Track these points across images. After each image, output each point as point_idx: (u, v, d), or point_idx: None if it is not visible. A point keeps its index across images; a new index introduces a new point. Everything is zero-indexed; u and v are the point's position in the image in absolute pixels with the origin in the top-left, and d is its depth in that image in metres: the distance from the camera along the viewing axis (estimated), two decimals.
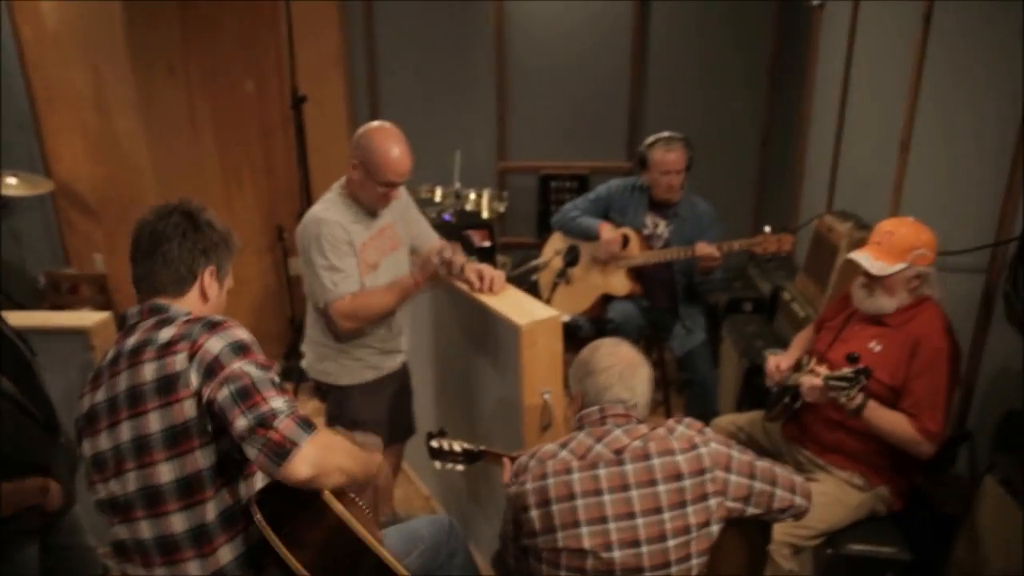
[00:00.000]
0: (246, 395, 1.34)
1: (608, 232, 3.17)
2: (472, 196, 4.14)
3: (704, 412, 3.20)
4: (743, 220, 4.36)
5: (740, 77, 4.22)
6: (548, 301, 3.25)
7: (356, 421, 2.48)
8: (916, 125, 2.82)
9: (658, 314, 3.30)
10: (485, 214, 4.08)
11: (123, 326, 1.57)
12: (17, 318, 2.42)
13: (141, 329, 1.50)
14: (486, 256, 3.83)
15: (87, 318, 2.66)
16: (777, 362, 2.48)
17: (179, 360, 1.40)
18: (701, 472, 1.54)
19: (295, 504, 1.34)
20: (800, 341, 2.61)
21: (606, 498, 1.52)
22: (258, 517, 1.33)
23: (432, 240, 2.67)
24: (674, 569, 1.52)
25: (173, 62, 3.98)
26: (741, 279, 4.15)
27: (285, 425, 1.31)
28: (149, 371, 1.42)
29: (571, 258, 3.20)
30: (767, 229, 2.85)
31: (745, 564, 1.73)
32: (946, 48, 2.66)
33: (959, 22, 2.59)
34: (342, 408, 2.47)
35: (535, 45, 4.28)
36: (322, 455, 1.33)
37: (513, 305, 2.29)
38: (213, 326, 1.43)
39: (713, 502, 1.54)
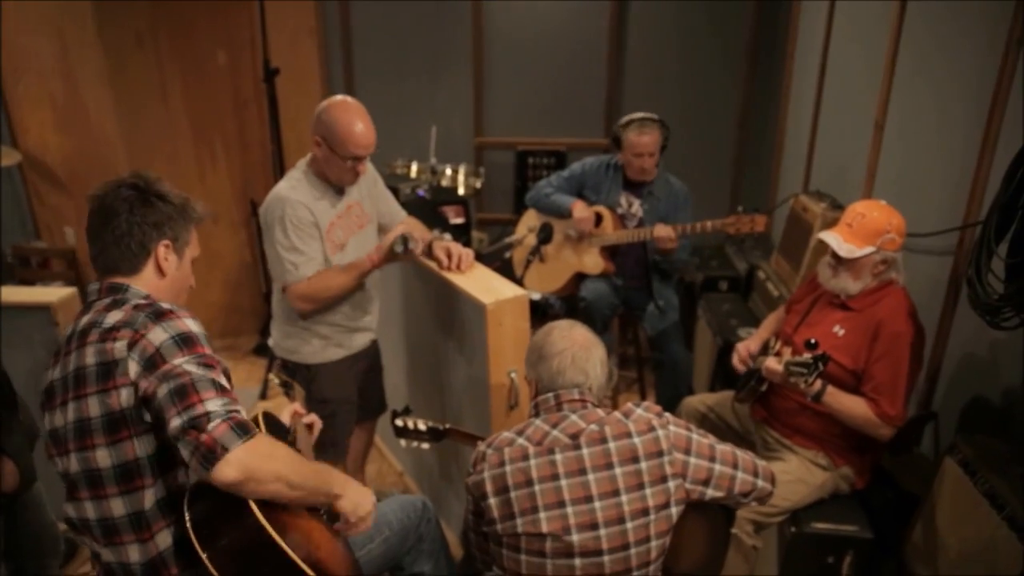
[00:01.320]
0: (183, 395, 1.30)
1: (580, 210, 3.15)
2: (448, 172, 4.08)
3: (675, 392, 3.21)
4: (720, 200, 4.35)
5: (719, 56, 4.17)
6: (521, 278, 3.24)
7: (324, 400, 2.46)
8: (891, 106, 2.81)
9: (631, 293, 3.30)
10: (461, 190, 4.02)
11: (84, 301, 1.54)
12: None
13: (95, 309, 1.47)
14: (461, 233, 3.80)
15: (51, 294, 2.62)
16: (746, 346, 2.50)
17: (118, 348, 1.36)
18: (659, 454, 1.54)
19: (221, 505, 1.31)
20: (770, 322, 2.62)
21: (563, 483, 1.52)
22: (186, 514, 1.32)
23: (400, 216, 2.63)
24: (633, 551, 1.52)
25: (141, 31, 3.90)
26: (718, 257, 4.15)
27: (218, 429, 1.27)
28: (91, 355, 1.40)
29: (544, 235, 3.18)
30: (740, 209, 2.83)
31: (707, 546, 1.74)
32: (920, 30, 2.64)
33: (933, 4, 2.57)
34: (310, 387, 2.45)
35: (514, 20, 4.22)
36: (254, 462, 1.28)
37: (480, 284, 2.27)
38: (159, 315, 1.39)
39: (672, 484, 1.54)
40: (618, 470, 1.52)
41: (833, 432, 2.23)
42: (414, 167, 4.07)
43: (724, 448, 1.63)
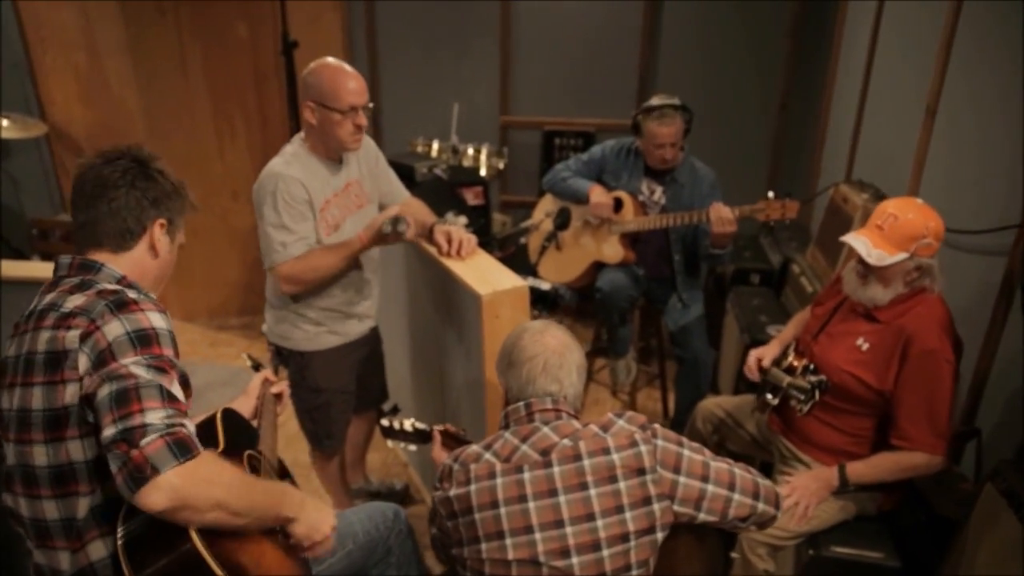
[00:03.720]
0: (122, 400, 1.17)
1: (599, 195, 2.96)
2: (470, 151, 3.94)
3: (696, 392, 3.03)
4: (756, 187, 4.08)
5: (760, 35, 3.90)
6: (536, 266, 3.08)
7: (318, 389, 2.36)
8: (944, 91, 2.55)
9: (653, 285, 3.11)
10: (483, 171, 3.88)
11: (53, 275, 1.42)
12: None
13: (60, 287, 1.36)
14: (480, 215, 3.64)
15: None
16: (758, 356, 2.30)
17: (70, 337, 1.25)
18: (640, 472, 1.38)
19: (158, 524, 1.17)
20: (793, 325, 2.42)
21: (531, 505, 1.36)
22: (119, 529, 1.21)
23: (402, 196, 2.49)
24: None
25: (163, 4, 3.82)
26: (751, 248, 3.92)
27: (153, 446, 1.13)
28: (43, 341, 1.29)
29: (561, 221, 3.00)
30: (770, 195, 2.61)
31: (701, 571, 1.57)
32: (980, 7, 2.37)
33: None
34: (303, 375, 2.34)
35: None
36: (188, 488, 1.14)
37: (478, 272, 2.12)
38: (120, 306, 1.27)
39: (657, 507, 1.37)
40: (593, 491, 1.36)
41: (857, 446, 2.03)
42: (435, 146, 3.93)
43: (720, 466, 1.45)
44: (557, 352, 1.50)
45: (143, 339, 1.24)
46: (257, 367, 1.88)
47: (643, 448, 1.38)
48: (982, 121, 2.35)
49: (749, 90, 4.00)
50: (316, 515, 1.41)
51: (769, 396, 2.16)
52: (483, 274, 2.11)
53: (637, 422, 1.43)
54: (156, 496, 1.12)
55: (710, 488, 1.41)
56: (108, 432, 1.16)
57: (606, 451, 1.38)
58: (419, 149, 3.93)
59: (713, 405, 2.51)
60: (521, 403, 1.48)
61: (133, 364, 1.21)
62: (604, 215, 2.95)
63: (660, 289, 3.11)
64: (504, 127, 4.28)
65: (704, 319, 3.10)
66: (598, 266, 3.12)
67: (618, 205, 2.98)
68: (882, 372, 1.92)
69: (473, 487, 1.38)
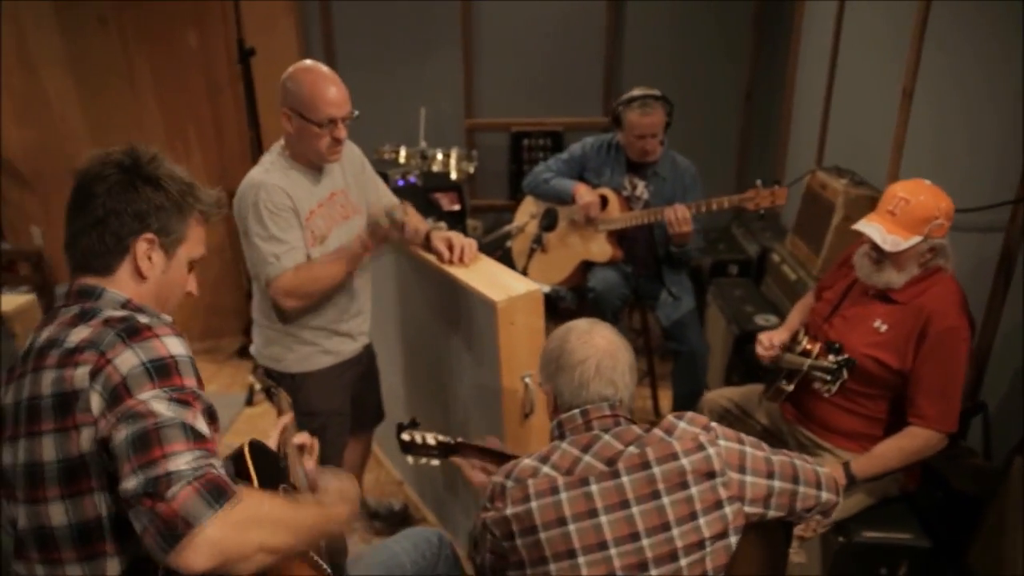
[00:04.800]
0: (142, 445, 1.03)
1: (584, 193, 2.92)
2: (439, 156, 3.84)
3: (694, 387, 3.00)
4: (725, 179, 4.14)
5: (722, 27, 3.94)
6: (524, 270, 3.01)
7: (312, 412, 2.22)
8: (921, 70, 2.60)
9: (642, 280, 3.08)
10: (454, 175, 3.79)
11: (50, 307, 1.27)
12: None
13: (59, 320, 1.20)
14: (457, 221, 3.56)
15: (6, 302, 2.37)
16: (770, 337, 2.28)
17: (79, 375, 1.10)
18: (711, 475, 1.32)
19: None
20: (799, 310, 2.41)
21: (603, 519, 1.29)
22: None
23: (392, 203, 2.39)
24: None
25: (104, 12, 3.60)
26: (725, 240, 3.94)
27: (183, 496, 0.99)
28: (47, 382, 1.13)
29: (548, 222, 2.96)
30: (758, 183, 2.61)
31: (763, 569, 1.53)
32: None
33: None
34: (296, 399, 2.19)
35: None
36: (232, 538, 1.01)
37: (487, 278, 2.04)
38: (132, 333, 1.13)
39: (729, 509, 1.32)
40: (666, 499, 1.30)
41: (875, 428, 2.04)
42: (403, 152, 3.82)
43: (782, 459, 1.41)
44: (609, 353, 1.43)
45: (161, 369, 1.10)
46: (269, 391, 1.73)
47: (711, 451, 1.33)
48: (963, 98, 2.39)
49: (714, 82, 4.03)
50: (349, 508, 1.36)
51: (784, 383, 2.14)
52: (492, 279, 2.03)
53: (699, 423, 1.38)
54: (195, 556, 0.98)
55: (776, 484, 1.37)
56: (129, 484, 1.02)
57: (674, 456, 1.32)
58: (387, 156, 3.81)
59: (719, 397, 2.48)
60: (576, 410, 1.41)
61: (152, 399, 1.07)
62: (593, 214, 2.90)
63: (649, 285, 3.08)
64: (471, 130, 4.21)
65: (696, 311, 3.08)
66: (586, 266, 3.07)
67: (603, 203, 2.94)
68: (903, 353, 1.92)
69: (534, 504, 1.30)
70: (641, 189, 2.98)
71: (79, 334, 1.15)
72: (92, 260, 1.24)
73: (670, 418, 1.40)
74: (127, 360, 1.10)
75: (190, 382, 1.13)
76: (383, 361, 2.57)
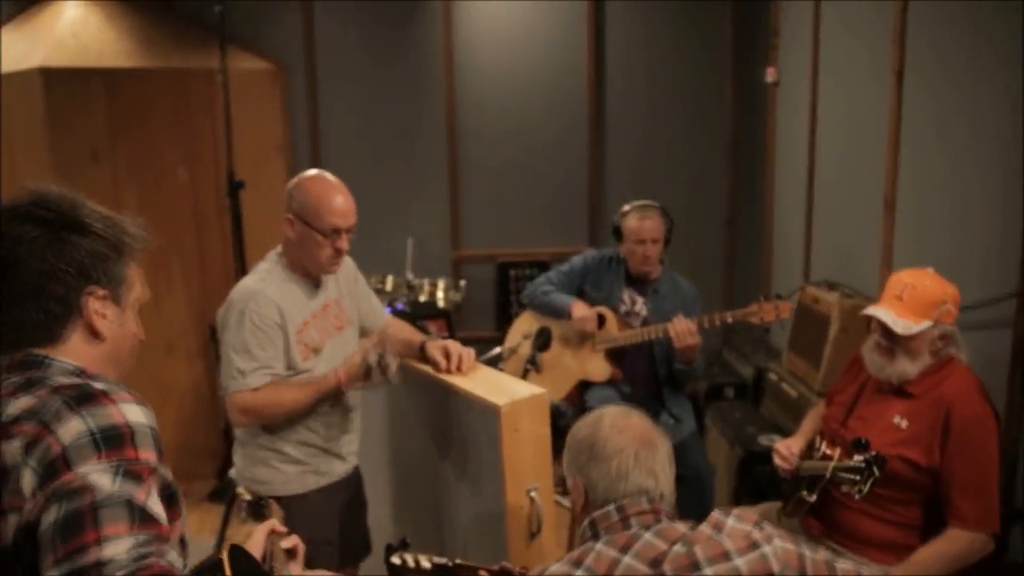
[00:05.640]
0: (72, 528, 0.86)
1: (581, 309, 2.88)
2: (426, 286, 3.83)
3: (702, 510, 2.80)
4: (714, 302, 4.13)
5: (700, 156, 4.13)
6: None
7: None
8: (900, 182, 2.68)
9: (642, 401, 2.97)
10: (441, 304, 3.76)
11: None
12: None
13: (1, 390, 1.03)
14: None
15: None
16: (788, 446, 2.17)
17: (11, 450, 0.93)
18: None
19: None
20: (812, 419, 2.31)
21: None
22: None
23: (383, 318, 2.32)
24: None
25: (98, 148, 3.66)
26: (718, 364, 3.89)
27: None
28: None
29: (542, 341, 2.86)
30: (761, 298, 2.60)
31: None
32: (924, 99, 2.56)
33: (935, 73, 2.50)
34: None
35: (488, 128, 4.14)
36: None
37: (487, 384, 1.94)
38: (84, 400, 0.97)
39: None
40: None
41: (911, 537, 1.89)
42: (390, 281, 3.81)
43: (845, 566, 1.24)
44: (648, 442, 1.31)
45: (112, 439, 0.93)
46: (259, 506, 1.55)
47: (766, 549, 1.18)
48: (947, 201, 2.45)
49: (695, 210, 4.14)
50: None
51: (805, 492, 2.00)
52: (493, 386, 1.93)
53: (749, 519, 1.23)
54: None
55: None
56: None
57: (726, 555, 1.16)
58: (374, 285, 3.78)
59: None
60: (612, 506, 1.26)
61: (93, 472, 0.89)
62: (589, 329, 2.85)
63: (648, 406, 2.95)
64: (457, 262, 4.23)
65: (698, 433, 2.96)
66: (583, 386, 2.97)
67: (600, 321, 2.90)
68: (929, 448, 1.83)
69: None
70: (640, 305, 2.95)
71: (20, 404, 0.98)
72: (34, 333, 1.07)
73: (716, 514, 1.25)
74: (72, 428, 0.93)
75: (147, 455, 0.96)
76: (369, 487, 2.38)
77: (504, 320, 4.09)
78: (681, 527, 1.24)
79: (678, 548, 1.18)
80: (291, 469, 2.02)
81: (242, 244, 3.53)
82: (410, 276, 3.84)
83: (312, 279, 2.06)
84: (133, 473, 0.92)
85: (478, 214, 4.21)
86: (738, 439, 3.12)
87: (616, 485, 1.28)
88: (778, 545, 1.20)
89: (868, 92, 2.90)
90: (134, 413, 0.98)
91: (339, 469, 2.13)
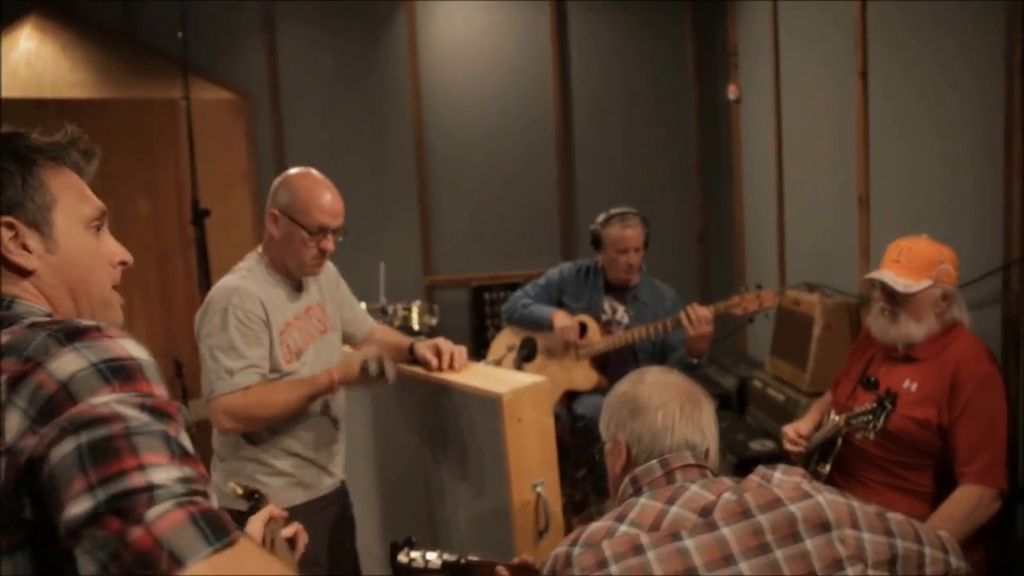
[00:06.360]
0: (105, 453, 0.70)
1: (563, 319, 2.82)
2: (400, 312, 3.75)
3: None
4: None
5: (669, 175, 4.18)
6: None
7: None
8: (872, 178, 2.73)
9: None
10: (416, 327, 3.67)
11: None
12: None
13: None
14: None
15: None
16: (795, 428, 2.13)
17: None
18: (825, 527, 1.09)
19: None
20: (818, 407, 2.29)
21: None
22: None
23: (367, 324, 2.24)
24: None
25: None
26: (698, 378, 3.85)
27: (166, 520, 0.68)
28: None
29: (527, 352, 2.80)
30: (742, 288, 2.58)
31: None
32: (890, 97, 2.63)
33: (898, 71, 2.58)
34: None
35: (456, 153, 4.12)
36: None
37: (484, 377, 1.87)
38: (73, 334, 0.79)
39: (851, 571, 1.08)
40: (778, 553, 1.06)
41: (922, 505, 1.85)
42: (363, 307, 3.70)
43: (897, 516, 1.18)
44: (692, 398, 1.26)
45: (120, 370, 0.77)
46: (253, 499, 1.43)
47: (820, 499, 1.12)
48: (923, 192, 2.49)
49: (668, 229, 4.15)
50: None
51: (819, 466, 1.97)
52: (489, 378, 1.85)
53: (796, 473, 1.17)
54: None
55: (899, 543, 1.13)
56: (81, 508, 0.68)
57: (779, 502, 1.10)
58: None
59: None
60: (655, 461, 1.19)
61: (115, 402, 0.74)
62: (571, 338, 2.79)
63: None
64: (430, 287, 4.16)
65: None
66: (570, 396, 2.90)
67: (582, 330, 2.85)
68: (939, 406, 1.82)
69: (614, 568, 1.04)
70: (621, 313, 2.91)
71: None
72: None
73: (761, 467, 1.19)
74: (68, 362, 0.77)
75: (161, 391, 0.80)
76: (356, 505, 2.25)
77: (481, 344, 4.00)
78: (728, 481, 1.18)
79: (729, 496, 1.12)
80: (276, 482, 1.89)
81: (208, 275, 3.40)
82: (383, 301, 3.75)
83: (294, 281, 1.98)
84: (158, 408, 0.77)
85: (450, 239, 4.16)
86: (729, 447, 3.07)
87: (661, 436, 1.21)
88: (828, 496, 1.14)
89: (833, 96, 2.97)
90: (135, 348, 0.83)
91: (327, 483, 2.00)
